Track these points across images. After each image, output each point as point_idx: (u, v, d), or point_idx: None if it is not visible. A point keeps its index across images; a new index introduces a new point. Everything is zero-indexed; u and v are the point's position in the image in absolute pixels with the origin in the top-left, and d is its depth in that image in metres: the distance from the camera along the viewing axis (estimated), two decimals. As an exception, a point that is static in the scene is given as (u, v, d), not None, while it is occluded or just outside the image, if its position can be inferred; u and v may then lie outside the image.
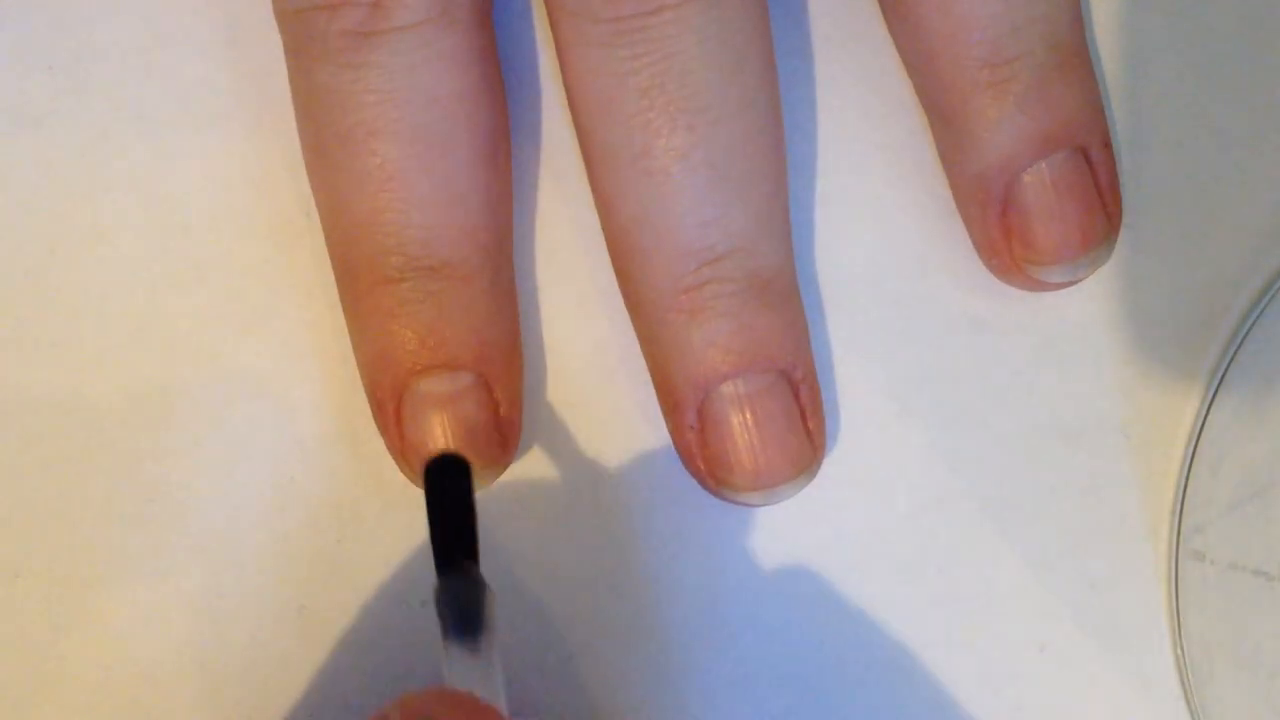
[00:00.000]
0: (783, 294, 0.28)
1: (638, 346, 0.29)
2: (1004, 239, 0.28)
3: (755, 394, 0.28)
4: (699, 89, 0.27)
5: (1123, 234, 0.30)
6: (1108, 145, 0.29)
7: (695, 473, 0.29)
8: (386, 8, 0.27)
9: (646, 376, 0.29)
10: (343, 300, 0.28)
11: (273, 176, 0.30)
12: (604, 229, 0.29)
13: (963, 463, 0.30)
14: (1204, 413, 0.30)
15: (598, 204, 0.29)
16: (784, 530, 0.30)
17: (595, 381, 0.30)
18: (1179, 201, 0.30)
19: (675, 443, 0.29)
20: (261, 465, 0.30)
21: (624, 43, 0.27)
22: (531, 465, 0.30)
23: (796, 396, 0.28)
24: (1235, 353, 0.30)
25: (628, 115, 0.27)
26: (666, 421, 0.29)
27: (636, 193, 0.27)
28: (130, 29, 0.30)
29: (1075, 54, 0.28)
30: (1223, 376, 0.30)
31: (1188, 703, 0.30)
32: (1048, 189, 0.28)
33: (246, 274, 0.30)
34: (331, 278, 0.29)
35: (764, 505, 0.29)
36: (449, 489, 0.26)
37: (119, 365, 0.30)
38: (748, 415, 0.28)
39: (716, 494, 0.29)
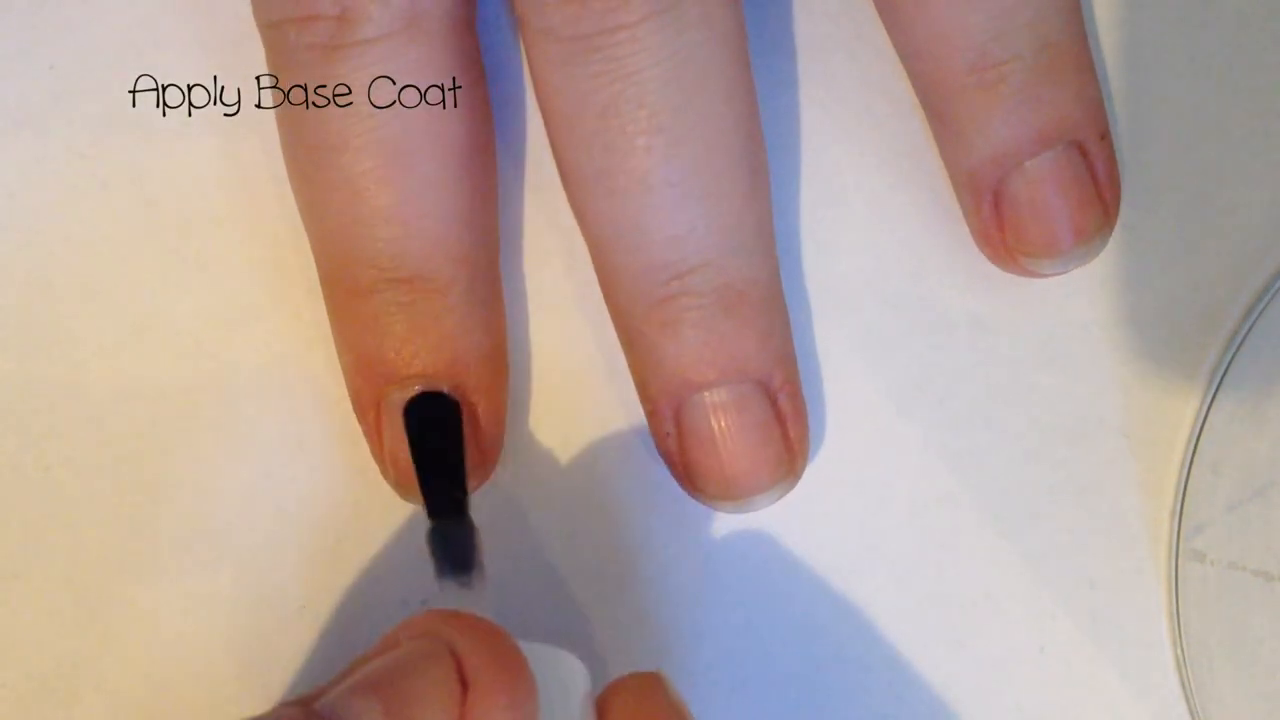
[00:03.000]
0: (759, 304, 0.28)
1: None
2: (998, 231, 0.29)
3: (729, 404, 0.28)
4: (655, 110, 0.27)
5: (1123, 234, 0.30)
6: (1105, 136, 0.28)
7: (676, 477, 0.29)
8: (352, 22, 0.27)
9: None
10: (326, 309, 0.29)
11: (272, 176, 0.30)
12: (584, 239, 0.29)
13: (963, 463, 0.30)
14: (1204, 413, 0.30)
15: (575, 216, 0.29)
16: (783, 530, 0.30)
17: (587, 387, 0.30)
18: (1179, 201, 0.30)
19: (657, 447, 0.29)
20: (261, 465, 0.30)
21: (582, 62, 0.27)
22: (525, 470, 0.30)
23: (775, 405, 0.28)
24: (1235, 353, 0.30)
25: (588, 135, 0.27)
26: (649, 426, 0.29)
27: (602, 210, 0.27)
28: (130, 29, 0.30)
29: (1069, 52, 0.28)
30: (1223, 376, 0.30)
31: (1188, 703, 0.30)
32: (1038, 186, 0.28)
33: (246, 274, 0.30)
34: (331, 278, 0.29)
35: (739, 513, 0.29)
36: (435, 428, 0.27)
37: (119, 365, 0.30)
38: (721, 425, 0.28)
39: (695, 499, 0.29)
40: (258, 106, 0.30)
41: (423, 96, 0.27)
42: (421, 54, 0.27)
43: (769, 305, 0.28)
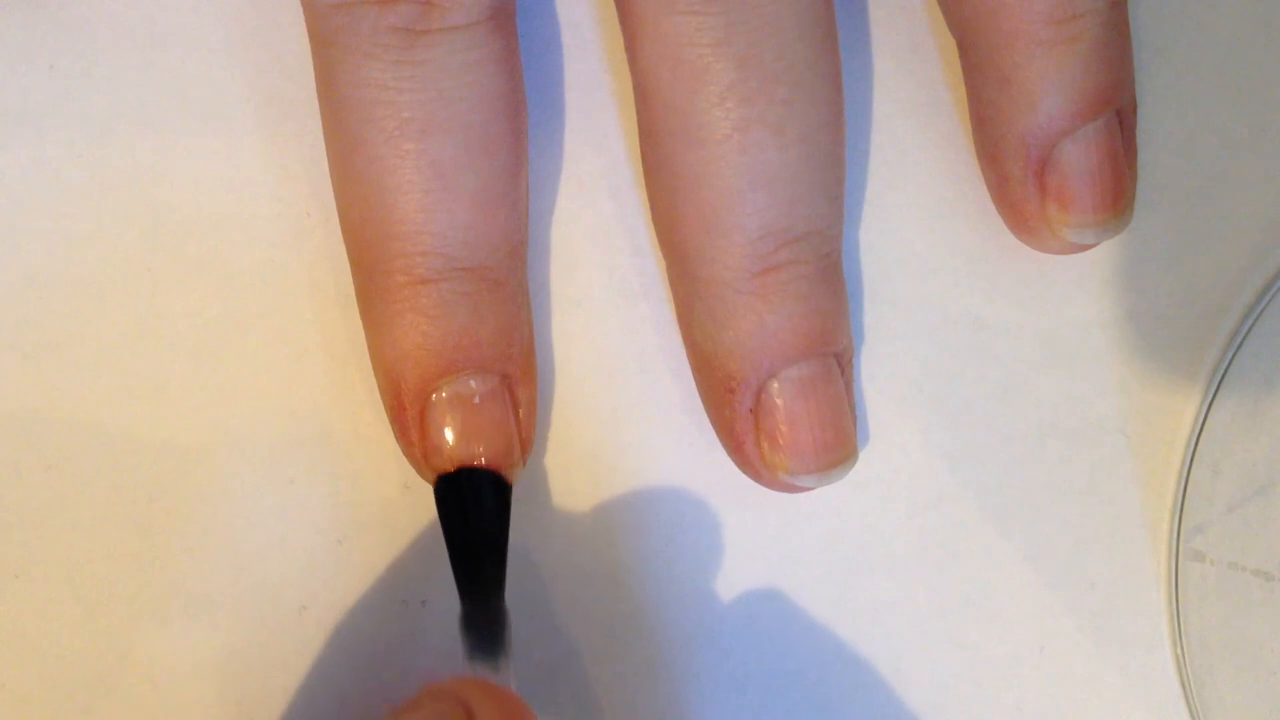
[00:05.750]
0: (841, 274, 0.28)
1: (638, 346, 0.29)
2: (1038, 199, 0.28)
3: (818, 377, 0.28)
4: (795, 61, 0.26)
5: (1123, 234, 0.30)
6: (1135, 106, 0.29)
7: (745, 457, 0.28)
8: (443, 7, 0.27)
9: (647, 376, 0.29)
10: (366, 299, 0.28)
11: (273, 176, 0.30)
12: (673, 208, 0.28)
13: (963, 463, 0.30)
14: (1204, 413, 0.30)
15: (671, 183, 0.28)
16: (784, 530, 0.30)
17: (592, 383, 0.30)
18: (1179, 201, 0.30)
19: (723, 428, 0.28)
20: (262, 465, 0.30)
21: (718, 10, 0.26)
22: (532, 464, 0.30)
23: (846, 378, 0.28)
24: (1235, 353, 0.30)
25: (723, 86, 0.26)
26: (715, 405, 0.28)
27: (729, 166, 0.27)
28: (130, 29, 0.30)
29: (1125, 12, 0.28)
30: (1223, 376, 0.30)
31: (1188, 703, 0.30)
32: (1090, 153, 0.28)
33: (247, 274, 0.30)
34: (333, 276, 0.29)
35: (817, 487, 0.28)
36: (475, 505, 0.27)
37: (119, 365, 0.30)
38: (811, 398, 0.28)
39: (767, 479, 0.28)
40: (257, 106, 0.30)
41: (504, 85, 0.27)
42: (502, 44, 0.27)
43: (842, 277, 0.28)
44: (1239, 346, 0.30)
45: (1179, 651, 0.30)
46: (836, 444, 0.28)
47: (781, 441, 0.28)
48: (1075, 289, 0.30)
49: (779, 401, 0.28)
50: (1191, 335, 0.30)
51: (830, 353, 0.28)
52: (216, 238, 0.30)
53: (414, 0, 0.27)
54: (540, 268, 0.30)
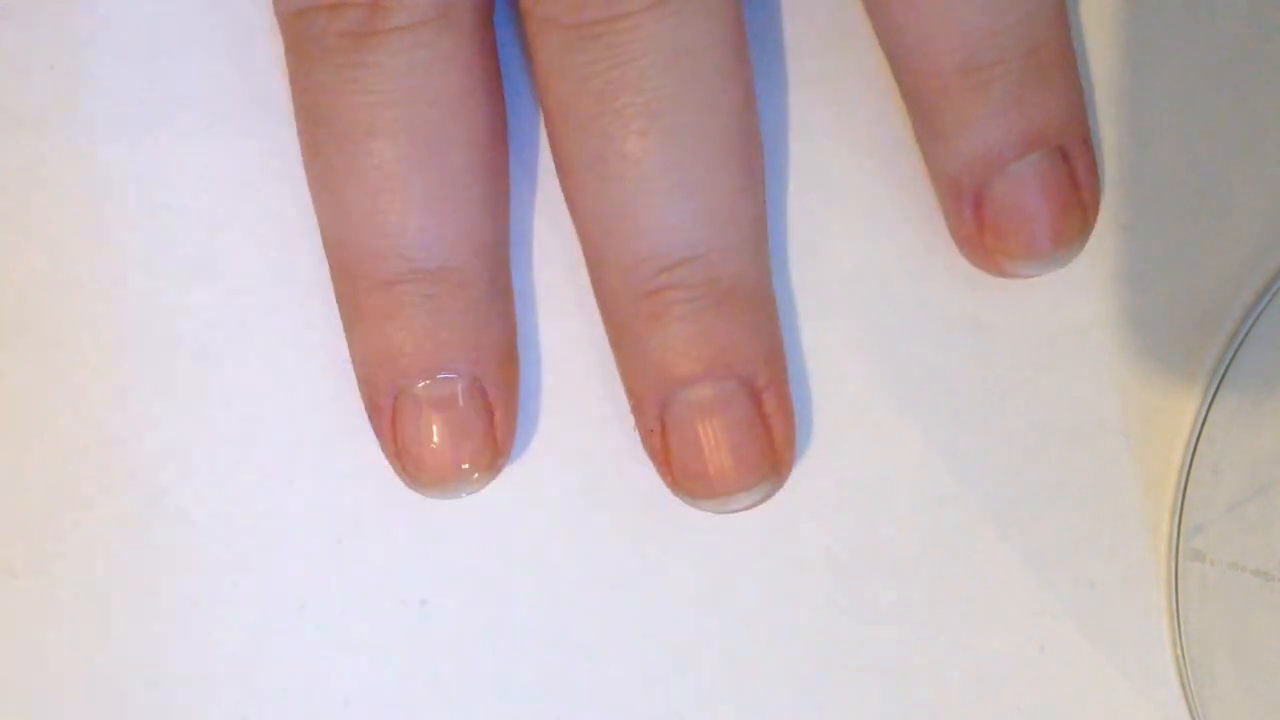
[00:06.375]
0: (747, 300, 0.28)
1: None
2: (977, 233, 0.28)
3: (712, 401, 0.28)
4: (653, 95, 0.27)
5: (1123, 234, 0.30)
6: (1086, 141, 0.28)
7: (661, 474, 0.29)
8: (385, 9, 0.27)
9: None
10: (339, 302, 0.29)
11: (272, 176, 0.30)
12: (576, 231, 0.29)
13: (962, 463, 0.30)
14: (1204, 413, 0.30)
15: (568, 207, 0.29)
16: (783, 530, 0.30)
17: (590, 384, 0.30)
18: (1179, 201, 0.30)
19: (643, 443, 0.29)
20: (261, 465, 0.30)
21: (583, 48, 0.27)
22: (527, 467, 0.30)
23: (759, 404, 0.28)
24: (1235, 353, 0.30)
25: (585, 120, 0.27)
26: (635, 423, 0.29)
27: (594, 197, 0.27)
28: (130, 29, 0.30)
29: (1056, 54, 0.28)
30: (1223, 376, 0.30)
31: (1188, 703, 0.30)
32: (1021, 190, 0.28)
33: (246, 274, 0.30)
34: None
35: (722, 513, 0.28)
36: None
37: (119, 365, 0.30)
38: (703, 423, 0.28)
39: (686, 500, 0.29)
40: (257, 106, 0.30)
41: (455, 85, 0.27)
42: (452, 43, 0.27)
43: (757, 302, 0.28)
44: (1239, 346, 0.30)
45: (1179, 651, 0.30)
46: (735, 472, 0.28)
47: (681, 465, 0.28)
48: (1075, 289, 0.30)
49: (674, 425, 0.28)
50: (1191, 335, 0.30)
51: (732, 376, 0.28)
52: (216, 238, 0.30)
53: (360, 4, 0.27)
54: (538, 270, 0.30)
